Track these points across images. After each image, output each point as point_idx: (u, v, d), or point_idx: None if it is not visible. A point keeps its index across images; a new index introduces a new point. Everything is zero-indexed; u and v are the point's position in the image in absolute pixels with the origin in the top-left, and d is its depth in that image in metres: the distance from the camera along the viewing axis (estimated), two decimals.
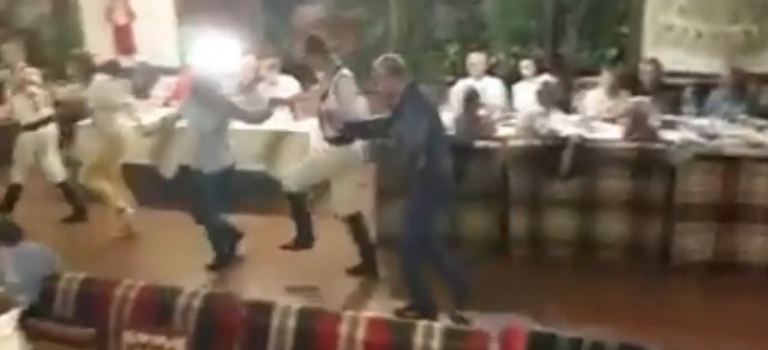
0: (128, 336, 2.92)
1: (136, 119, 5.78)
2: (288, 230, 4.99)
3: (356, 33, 8.06)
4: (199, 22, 7.25)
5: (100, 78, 5.62)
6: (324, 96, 4.74)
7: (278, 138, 6.15)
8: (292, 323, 2.83)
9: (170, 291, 3.09)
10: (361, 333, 2.75)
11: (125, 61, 7.28)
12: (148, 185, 6.20)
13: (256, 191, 6.07)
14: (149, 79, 6.97)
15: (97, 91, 5.58)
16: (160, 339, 2.87)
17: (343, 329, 2.76)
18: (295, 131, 6.14)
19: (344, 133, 4.64)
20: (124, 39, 7.46)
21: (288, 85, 6.69)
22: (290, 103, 6.12)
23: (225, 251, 5.25)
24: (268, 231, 5.30)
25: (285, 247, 4.98)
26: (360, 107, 5.18)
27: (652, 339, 2.67)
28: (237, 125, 5.39)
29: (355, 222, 4.96)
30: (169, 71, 7.20)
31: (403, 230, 4.30)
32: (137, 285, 3.09)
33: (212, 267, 5.12)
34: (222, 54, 6.40)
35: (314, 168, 4.97)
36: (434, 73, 7.68)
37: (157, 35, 7.45)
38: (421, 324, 2.80)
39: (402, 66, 4.21)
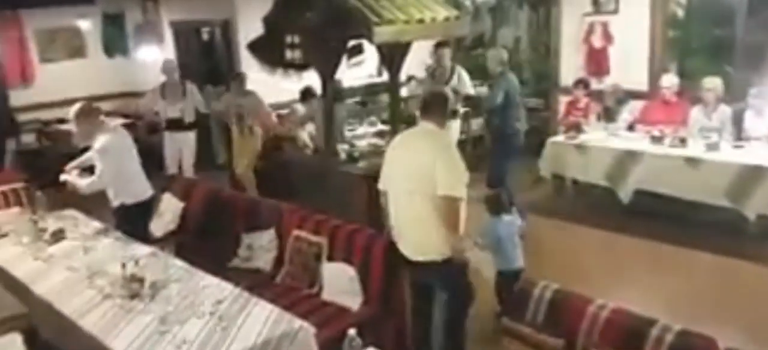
0: None
1: None
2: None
3: None
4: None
5: None
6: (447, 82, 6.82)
7: (754, 174, 5.54)
8: None
9: (643, 319, 3.00)
10: None
11: (595, 84, 7.43)
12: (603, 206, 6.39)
13: (715, 227, 5.67)
14: (618, 101, 6.95)
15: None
16: None
17: None
18: None
19: None
20: (598, 61, 7.55)
21: None
22: None
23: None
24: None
25: None
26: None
27: None
28: (708, 155, 5.54)
29: None
30: (637, 95, 7.09)
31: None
32: (609, 306, 3.06)
33: None
34: None
35: None
36: None
37: (631, 59, 7.37)
38: None
39: (505, 59, 6.54)
